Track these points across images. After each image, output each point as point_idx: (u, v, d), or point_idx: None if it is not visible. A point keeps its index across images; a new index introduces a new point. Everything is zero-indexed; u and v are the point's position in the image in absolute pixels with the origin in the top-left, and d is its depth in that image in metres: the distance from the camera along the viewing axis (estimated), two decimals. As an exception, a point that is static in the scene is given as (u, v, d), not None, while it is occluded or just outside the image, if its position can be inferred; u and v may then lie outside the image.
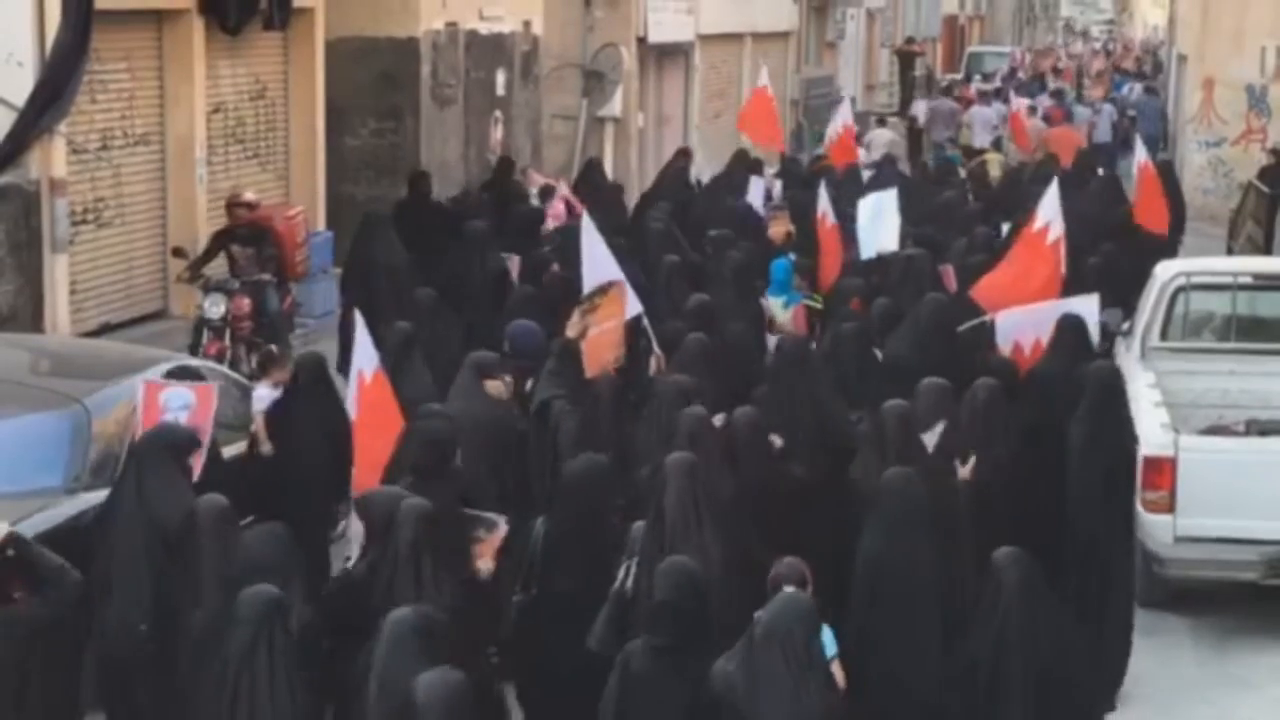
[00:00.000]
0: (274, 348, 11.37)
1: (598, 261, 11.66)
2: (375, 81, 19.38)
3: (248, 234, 14.59)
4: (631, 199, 20.08)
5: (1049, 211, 13.10)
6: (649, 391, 10.27)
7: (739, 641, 6.40)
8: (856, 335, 11.04)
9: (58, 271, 13.83)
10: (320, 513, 9.81)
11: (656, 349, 11.25)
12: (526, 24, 22.60)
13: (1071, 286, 12.89)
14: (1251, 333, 12.52)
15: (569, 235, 14.04)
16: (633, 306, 11.38)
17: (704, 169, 23.24)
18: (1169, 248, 16.61)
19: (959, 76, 42.79)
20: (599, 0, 24.62)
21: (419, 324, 11.35)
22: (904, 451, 8.46)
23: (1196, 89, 28.04)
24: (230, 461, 9.63)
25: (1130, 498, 9.76)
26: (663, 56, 27.19)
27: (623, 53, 24.53)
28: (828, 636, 6.85)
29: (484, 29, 21.20)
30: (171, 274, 15.40)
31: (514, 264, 14.28)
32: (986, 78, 39.84)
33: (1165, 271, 12.73)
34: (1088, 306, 11.65)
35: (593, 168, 20.65)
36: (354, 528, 8.31)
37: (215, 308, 13.88)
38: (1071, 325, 11.07)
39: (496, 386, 9.74)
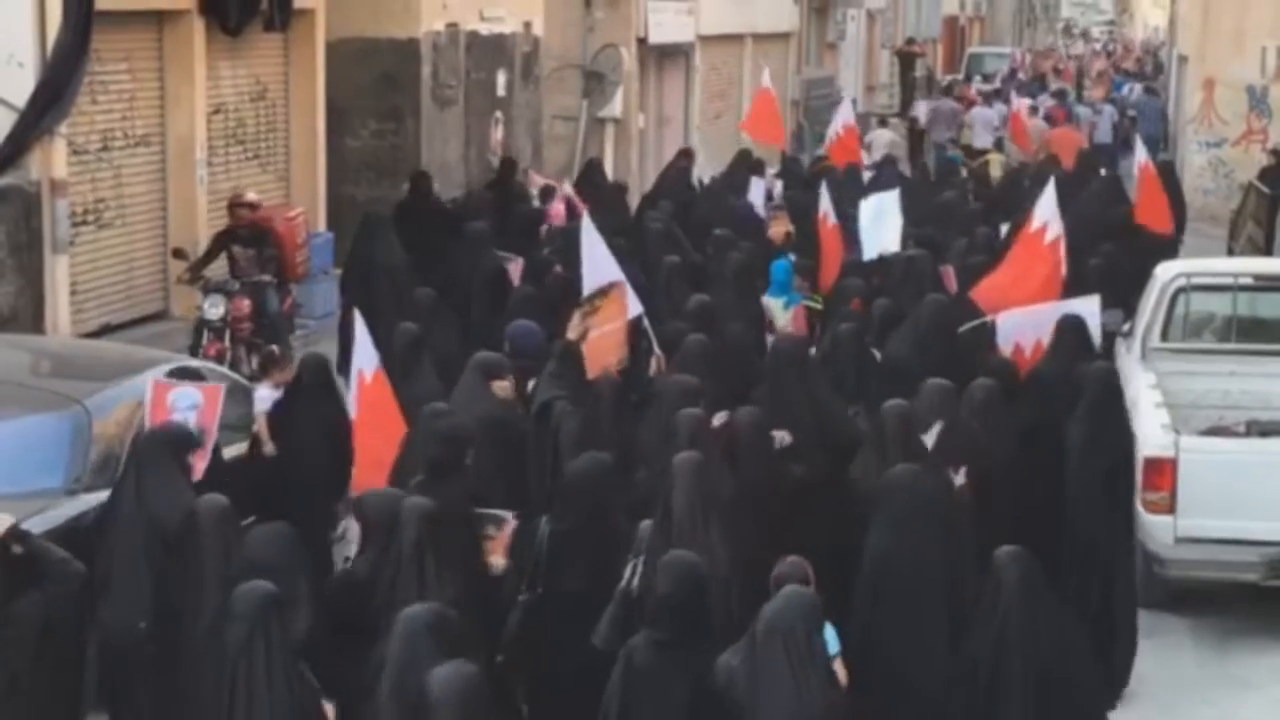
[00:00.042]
0: (275, 349, 11.38)
1: (598, 262, 11.67)
2: (376, 82, 19.38)
3: (249, 235, 14.60)
4: (632, 200, 20.08)
5: (1046, 212, 13.11)
6: (650, 392, 10.28)
7: (743, 637, 6.41)
8: (854, 336, 11.04)
9: (58, 272, 13.83)
10: (322, 513, 9.82)
11: (657, 349, 11.26)
12: (527, 25, 22.60)
13: (1072, 287, 12.89)
14: (1252, 334, 12.51)
15: (569, 236, 14.05)
16: (633, 307, 11.39)
17: (704, 170, 23.23)
18: (1169, 248, 16.60)
19: (959, 77, 42.79)
20: (599, 1, 24.63)
21: (418, 324, 11.35)
22: (904, 451, 8.46)
23: (1197, 90, 28.04)
24: (232, 462, 9.65)
25: (1130, 498, 9.77)
26: (663, 57, 27.20)
27: (623, 53, 24.53)
28: (830, 634, 6.86)
29: (484, 30, 21.20)
30: (172, 275, 15.40)
31: (516, 265, 14.28)
32: (987, 78, 39.86)
33: (1166, 272, 12.73)
34: (1089, 307, 11.65)
35: (593, 168, 20.66)
36: (354, 528, 8.32)
37: (215, 309, 13.88)
38: (1071, 326, 11.07)
39: (503, 387, 9.75)
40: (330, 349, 13.06)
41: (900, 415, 8.84)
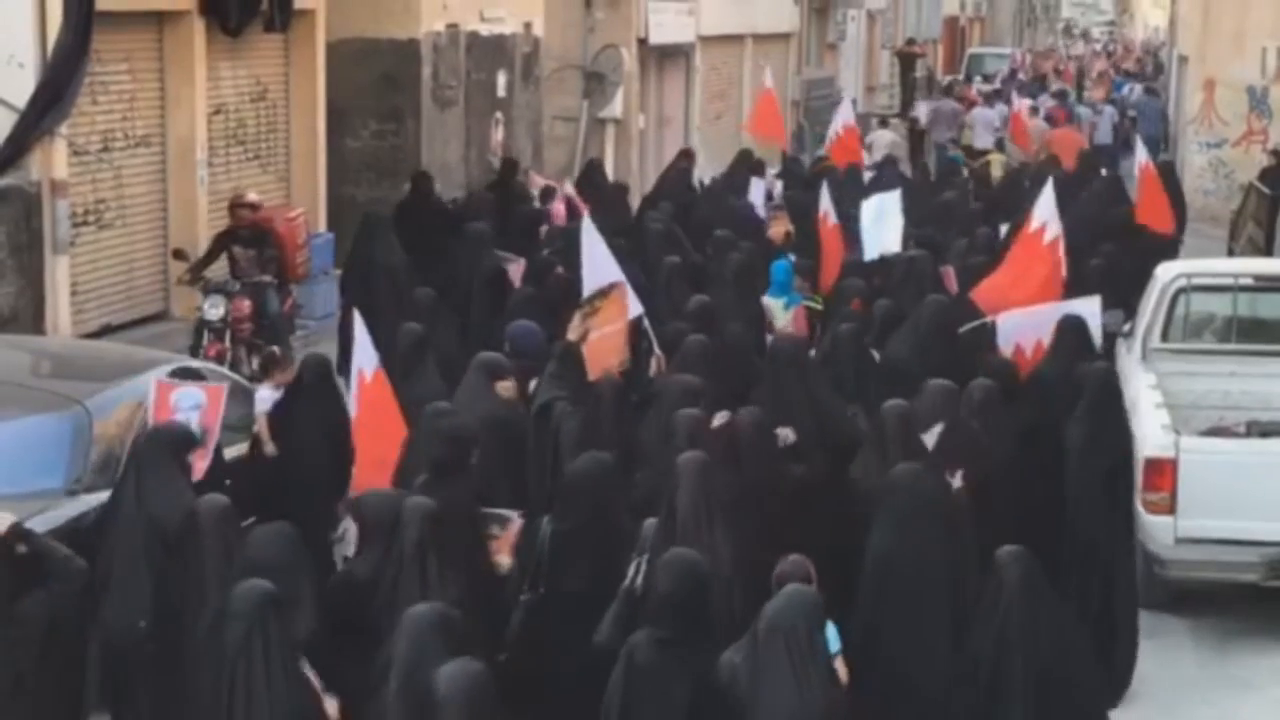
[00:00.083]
0: (276, 349, 11.39)
1: (598, 263, 11.67)
2: (376, 83, 19.38)
3: (249, 235, 14.60)
4: (633, 200, 20.09)
5: (1045, 212, 13.11)
6: (650, 392, 10.29)
7: (745, 635, 6.42)
8: (853, 337, 11.04)
9: (59, 273, 13.83)
10: (322, 513, 9.82)
11: (657, 350, 11.26)
12: (527, 25, 22.61)
13: (1073, 288, 12.89)
14: (1252, 334, 12.51)
15: (570, 236, 14.06)
16: (633, 307, 11.39)
17: (705, 170, 23.25)
18: (1170, 249, 16.60)
19: (959, 77, 42.79)
20: (600, 2, 24.63)
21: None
22: (904, 451, 8.47)
23: (1197, 90, 28.04)
24: (233, 462, 9.66)
25: (1129, 498, 9.77)
26: (663, 58, 27.20)
27: (623, 54, 24.54)
28: (831, 632, 6.86)
29: (485, 30, 21.20)
30: (172, 276, 15.40)
31: (518, 266, 14.28)
32: (987, 79, 39.86)
33: (1166, 273, 12.72)
34: (1090, 308, 11.64)
35: (593, 169, 20.66)
36: (353, 529, 8.33)
37: (215, 309, 13.88)
38: (1072, 326, 11.07)
39: (507, 387, 9.77)
40: (330, 350, 13.06)
41: (900, 415, 8.85)
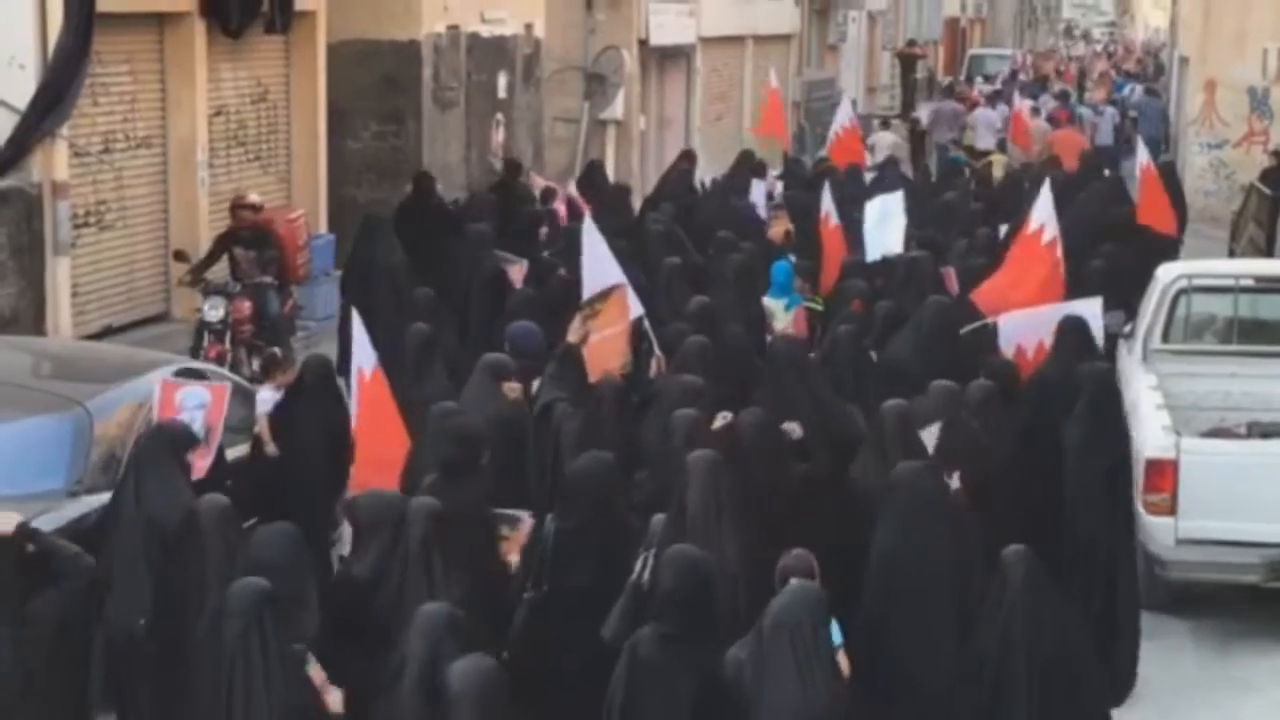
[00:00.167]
0: (277, 350, 11.39)
1: (599, 264, 11.67)
2: (377, 84, 19.39)
3: (250, 237, 14.61)
4: (634, 202, 20.08)
5: (1043, 213, 13.11)
6: (650, 393, 10.30)
7: (751, 631, 6.45)
8: (852, 338, 11.05)
9: (59, 274, 13.83)
10: (323, 513, 9.83)
11: (657, 351, 11.26)
12: (528, 27, 22.61)
13: (1073, 289, 12.89)
14: (1253, 335, 12.51)
15: (571, 237, 14.06)
16: (634, 309, 11.39)
17: (705, 172, 23.26)
18: (1170, 250, 16.61)
19: (960, 78, 42.80)
20: (601, 3, 24.64)
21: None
22: (903, 451, 8.48)
23: (1198, 91, 28.04)
24: (234, 463, 9.67)
25: (1129, 499, 9.77)
26: (664, 59, 27.21)
27: (624, 55, 24.55)
28: (833, 627, 6.87)
29: (485, 32, 21.21)
30: (173, 277, 15.41)
31: (519, 268, 14.28)
32: (988, 80, 39.87)
33: (1167, 274, 12.72)
34: (1091, 309, 11.64)
35: (594, 170, 20.66)
36: (347, 530, 8.35)
37: (215, 311, 13.89)
38: (1072, 327, 11.07)
39: (513, 388, 9.79)
40: (331, 350, 13.06)
41: (899, 415, 8.85)
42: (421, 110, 19.53)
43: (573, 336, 10.68)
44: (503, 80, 21.84)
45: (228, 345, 13.86)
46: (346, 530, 8.18)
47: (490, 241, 14.67)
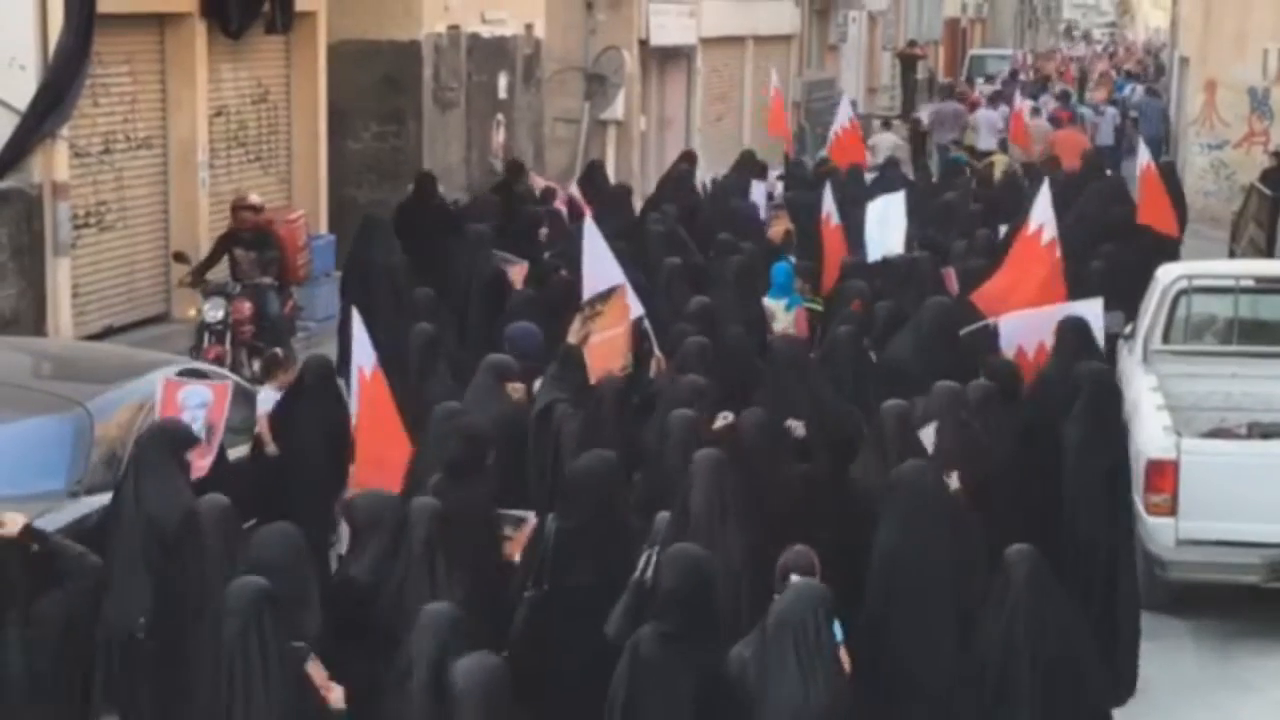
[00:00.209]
0: (279, 351, 11.39)
1: (600, 264, 11.67)
2: (377, 85, 19.39)
3: (251, 238, 14.61)
4: (635, 202, 20.08)
5: (1042, 214, 13.10)
6: (650, 393, 10.30)
7: (755, 629, 6.46)
8: (851, 338, 11.05)
9: (60, 275, 13.84)
10: (323, 514, 9.84)
11: (658, 351, 11.27)
12: (529, 27, 22.61)
13: (1073, 289, 12.89)
14: (1253, 336, 12.51)
15: (571, 238, 14.06)
16: (634, 309, 11.39)
17: (706, 172, 23.27)
18: (1170, 250, 16.61)
19: (961, 78, 42.80)
20: (601, 3, 24.65)
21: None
22: (903, 451, 8.48)
23: (1199, 91, 28.04)
24: (235, 463, 9.67)
25: (1128, 499, 9.77)
26: (665, 59, 27.22)
27: (625, 56, 24.55)
28: (834, 625, 6.88)
29: (486, 32, 21.21)
30: (174, 278, 15.41)
31: (520, 268, 14.28)
32: (989, 80, 39.87)
33: (1167, 275, 12.72)
34: (1092, 310, 11.64)
35: (595, 170, 20.66)
36: (345, 530, 8.36)
37: (215, 311, 13.89)
38: (1072, 327, 11.06)
39: (517, 389, 9.80)
40: (331, 351, 13.06)
41: (899, 415, 8.86)
42: (422, 111, 19.53)
43: (573, 337, 10.68)
44: (503, 81, 21.85)
45: (228, 346, 13.85)
46: (345, 530, 8.17)
47: (490, 242, 14.67)
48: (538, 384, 10.23)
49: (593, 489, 7.81)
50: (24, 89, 13.39)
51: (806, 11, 34.98)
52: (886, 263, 14.73)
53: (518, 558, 8.03)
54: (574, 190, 18.49)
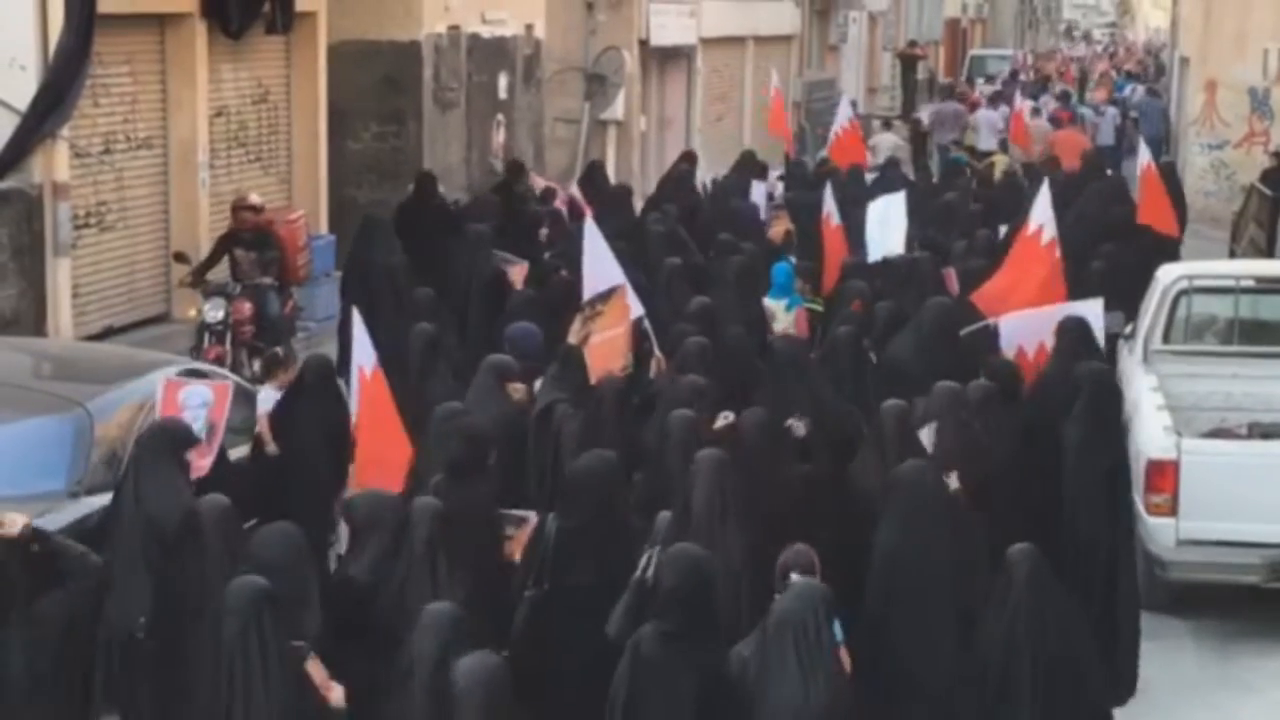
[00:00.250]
0: (279, 350, 11.39)
1: (600, 264, 11.67)
2: (377, 85, 19.40)
3: (251, 238, 14.62)
4: (636, 202, 20.08)
5: (1042, 214, 13.11)
6: (651, 394, 10.30)
7: (755, 629, 6.47)
8: (851, 339, 11.05)
9: (60, 275, 13.84)
10: (323, 513, 9.84)
11: (658, 351, 11.27)
12: (529, 27, 22.61)
13: (1074, 289, 12.89)
14: (1254, 336, 12.52)
15: (572, 239, 14.06)
16: (634, 309, 11.39)
17: (706, 172, 23.27)
18: (1170, 250, 16.61)
19: (961, 78, 42.80)
20: (601, 4, 24.65)
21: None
22: (903, 451, 8.49)
23: (1199, 91, 28.04)
24: (235, 463, 9.67)
25: (1128, 499, 9.77)
26: (665, 60, 27.22)
27: (625, 56, 24.55)
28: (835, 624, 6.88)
29: (486, 32, 21.21)
30: (174, 278, 15.41)
31: (520, 269, 14.28)
32: (989, 80, 39.87)
33: (1167, 275, 12.72)
34: (1092, 310, 11.64)
35: (595, 171, 20.66)
36: (344, 530, 8.36)
37: (215, 312, 13.89)
38: (1072, 327, 11.06)
39: (518, 389, 9.80)
40: (331, 351, 13.07)
41: (898, 415, 8.86)
42: (422, 111, 19.53)
43: (574, 337, 10.69)
44: (503, 81, 21.85)
45: (228, 346, 13.85)
46: (345, 530, 8.18)
47: (490, 242, 14.67)
48: (538, 384, 10.24)
49: (593, 489, 7.82)
50: (24, 89, 13.39)
51: (807, 12, 34.98)
52: (887, 263, 14.74)
53: (518, 557, 8.04)
54: (574, 190, 18.49)
